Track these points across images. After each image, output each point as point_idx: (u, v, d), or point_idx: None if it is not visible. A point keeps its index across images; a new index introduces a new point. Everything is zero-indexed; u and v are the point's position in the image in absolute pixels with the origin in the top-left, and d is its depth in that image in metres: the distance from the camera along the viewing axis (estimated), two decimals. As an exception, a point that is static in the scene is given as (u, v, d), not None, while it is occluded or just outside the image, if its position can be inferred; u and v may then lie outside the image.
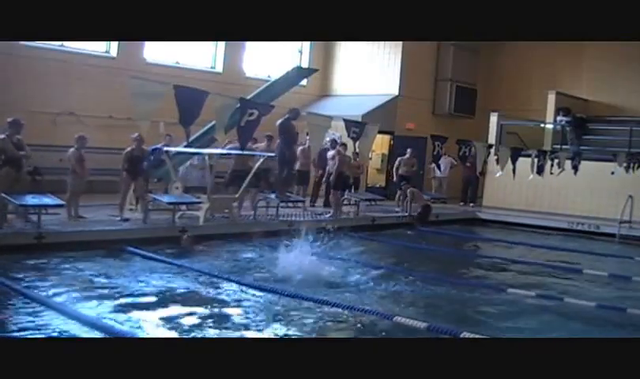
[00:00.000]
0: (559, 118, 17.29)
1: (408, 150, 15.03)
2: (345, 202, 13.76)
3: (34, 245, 8.67)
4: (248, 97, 10.36)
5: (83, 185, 10.31)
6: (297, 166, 13.78)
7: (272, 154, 12.49)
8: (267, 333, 6.13)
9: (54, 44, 13.73)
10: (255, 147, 12.65)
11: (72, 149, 10.22)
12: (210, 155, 11.62)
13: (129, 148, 10.57)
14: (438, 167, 16.18)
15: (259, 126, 9.74)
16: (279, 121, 12.39)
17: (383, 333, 6.20)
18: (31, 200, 9.17)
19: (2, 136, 9.19)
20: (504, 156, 13.51)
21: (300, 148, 13.84)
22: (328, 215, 13.01)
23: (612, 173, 14.31)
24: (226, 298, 7.28)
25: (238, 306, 6.99)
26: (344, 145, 13.06)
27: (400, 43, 18.14)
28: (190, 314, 6.54)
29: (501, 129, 17.19)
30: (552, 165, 14.39)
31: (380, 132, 13.33)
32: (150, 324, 6.11)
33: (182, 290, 7.49)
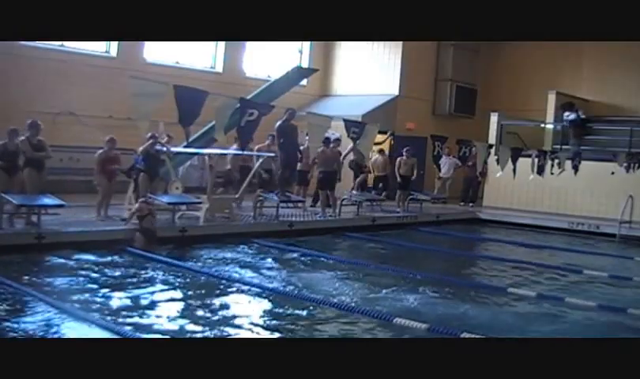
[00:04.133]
0: (565, 114, 17.24)
1: (404, 150, 14.98)
2: (345, 202, 13.74)
3: (34, 245, 8.67)
4: (248, 97, 10.37)
5: (110, 186, 10.43)
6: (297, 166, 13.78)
7: (272, 154, 12.52)
8: (267, 333, 6.13)
9: (54, 44, 13.73)
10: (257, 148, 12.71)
11: (100, 150, 10.39)
12: (210, 155, 11.66)
13: (143, 148, 10.62)
14: (438, 168, 16.21)
15: (259, 126, 9.75)
16: (277, 124, 12.39)
17: (383, 334, 6.20)
18: (31, 200, 9.17)
19: (22, 138, 9.30)
20: (504, 156, 13.52)
21: (300, 148, 13.83)
22: (319, 215, 12.99)
23: (612, 173, 14.32)
24: (226, 297, 7.28)
25: (238, 306, 6.99)
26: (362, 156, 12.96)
27: (400, 43, 18.13)
28: (190, 314, 6.54)
29: (501, 129, 17.18)
30: (552, 165, 14.40)
31: (380, 132, 13.35)
32: (150, 324, 6.10)
33: (182, 290, 7.49)
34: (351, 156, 14.86)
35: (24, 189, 9.30)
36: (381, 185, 15.57)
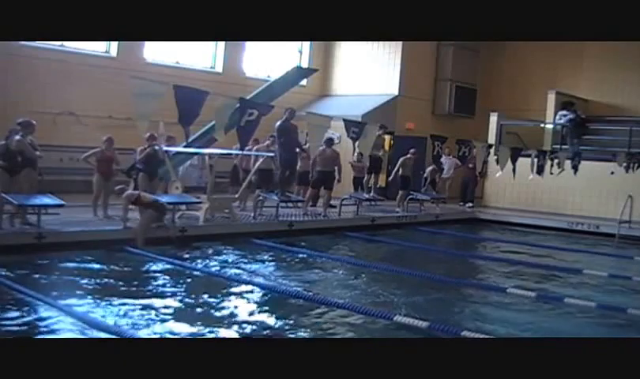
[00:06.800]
0: (562, 113, 17.23)
1: (411, 150, 15.05)
2: (345, 202, 13.74)
3: (34, 245, 8.67)
4: (248, 97, 10.36)
5: (107, 185, 10.39)
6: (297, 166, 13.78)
7: (271, 154, 12.53)
8: (266, 333, 6.13)
9: (54, 44, 13.73)
10: (256, 148, 12.72)
11: (97, 149, 10.43)
12: (210, 155, 11.67)
13: (145, 148, 10.64)
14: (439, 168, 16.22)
15: (259, 126, 9.74)
16: (277, 124, 12.40)
17: (383, 333, 6.19)
18: (31, 200, 9.17)
19: (18, 137, 9.17)
20: (504, 156, 13.52)
21: (304, 147, 13.80)
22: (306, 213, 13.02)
23: (612, 173, 14.32)
24: (225, 297, 7.28)
25: (238, 306, 6.98)
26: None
27: (400, 43, 18.14)
28: (190, 314, 6.54)
29: (501, 129, 17.20)
30: (552, 165, 14.41)
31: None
32: (150, 324, 6.10)
33: (182, 290, 7.49)
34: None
35: (22, 190, 9.22)
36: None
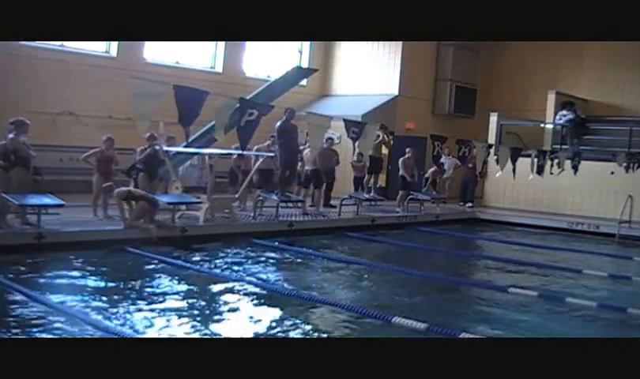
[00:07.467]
0: (562, 113, 17.23)
1: (407, 149, 15.06)
2: (345, 202, 13.74)
3: (34, 245, 8.66)
4: (248, 97, 10.36)
5: (106, 184, 10.35)
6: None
7: (271, 154, 12.53)
8: (267, 333, 6.13)
9: (54, 44, 13.73)
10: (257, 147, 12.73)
11: (97, 149, 10.42)
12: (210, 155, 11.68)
13: (145, 148, 10.64)
14: (440, 168, 16.21)
15: (259, 126, 9.74)
16: (277, 124, 12.40)
17: (382, 333, 6.19)
18: (31, 200, 9.16)
19: (11, 135, 9.12)
20: (504, 156, 13.51)
21: (301, 148, 13.81)
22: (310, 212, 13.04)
23: (612, 173, 14.33)
24: (225, 297, 7.28)
25: (237, 306, 6.99)
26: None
27: (400, 43, 18.14)
28: (190, 314, 6.54)
29: (501, 129, 17.20)
30: (552, 165, 14.40)
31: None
32: (150, 324, 6.10)
33: (182, 290, 7.49)
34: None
35: (12, 188, 9.09)
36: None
